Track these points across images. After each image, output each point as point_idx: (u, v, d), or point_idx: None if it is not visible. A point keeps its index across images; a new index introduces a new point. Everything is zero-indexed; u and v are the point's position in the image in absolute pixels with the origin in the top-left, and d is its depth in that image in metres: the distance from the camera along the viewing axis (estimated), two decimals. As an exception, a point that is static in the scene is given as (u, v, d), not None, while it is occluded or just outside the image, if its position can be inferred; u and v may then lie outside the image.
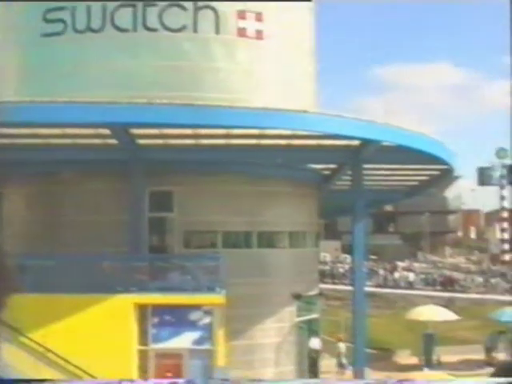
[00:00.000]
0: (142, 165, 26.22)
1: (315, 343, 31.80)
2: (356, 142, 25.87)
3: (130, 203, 26.58)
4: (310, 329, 31.39)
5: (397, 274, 72.11)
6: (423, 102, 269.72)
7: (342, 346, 31.60)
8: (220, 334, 24.04)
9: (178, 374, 24.05)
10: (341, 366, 31.22)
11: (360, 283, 28.20)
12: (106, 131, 23.72)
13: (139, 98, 22.45)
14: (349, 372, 29.53)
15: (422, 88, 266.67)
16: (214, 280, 24.15)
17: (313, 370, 31.43)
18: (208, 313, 23.85)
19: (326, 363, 32.52)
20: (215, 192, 28.57)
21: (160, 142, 26.08)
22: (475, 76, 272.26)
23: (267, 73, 29.31)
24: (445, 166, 30.46)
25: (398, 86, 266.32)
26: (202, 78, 28.01)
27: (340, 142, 26.24)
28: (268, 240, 30.21)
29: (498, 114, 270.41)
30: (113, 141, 24.84)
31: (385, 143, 25.24)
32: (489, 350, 33.73)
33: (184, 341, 23.97)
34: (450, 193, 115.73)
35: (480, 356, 33.35)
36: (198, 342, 23.94)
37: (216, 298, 23.68)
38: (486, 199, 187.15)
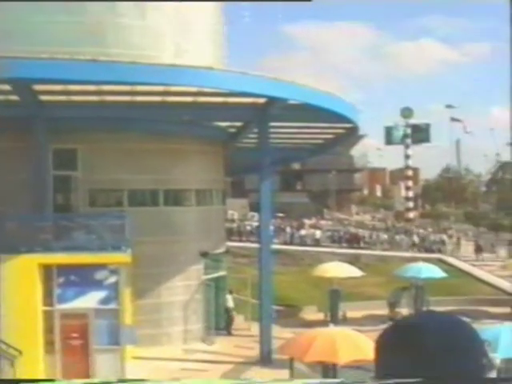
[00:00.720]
0: (45, 122, 25.61)
1: (229, 301, 32.03)
2: (262, 100, 25.85)
3: (34, 161, 26.02)
4: (217, 286, 31.52)
5: (303, 232, 72.76)
6: (332, 60, 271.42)
7: None
8: (126, 293, 23.91)
9: (84, 334, 23.86)
10: None
11: (266, 241, 28.38)
12: (7, 87, 23.07)
13: (42, 53, 21.88)
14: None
15: (332, 46, 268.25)
16: (119, 239, 23.94)
17: (228, 328, 31.66)
18: (114, 272, 23.65)
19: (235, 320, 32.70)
20: (120, 150, 28.21)
21: (63, 98, 25.51)
22: (385, 36, 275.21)
23: (173, 30, 28.91)
24: (350, 125, 30.78)
25: (307, 45, 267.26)
26: (107, 33, 27.46)
27: (246, 100, 26.18)
28: (174, 198, 30.08)
29: (404, 74, 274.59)
30: (15, 97, 24.18)
31: (291, 101, 25.30)
32: (392, 305, 34.43)
33: (90, 300, 23.74)
34: (357, 151, 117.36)
35: (384, 311, 34.03)
36: (104, 301, 23.74)
37: (122, 257, 23.50)
38: (391, 158, 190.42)
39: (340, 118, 27.66)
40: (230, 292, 32.58)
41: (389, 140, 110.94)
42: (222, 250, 32.62)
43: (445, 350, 2.18)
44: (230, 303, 32.11)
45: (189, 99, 25.93)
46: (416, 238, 69.12)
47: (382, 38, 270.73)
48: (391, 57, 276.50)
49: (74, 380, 2.39)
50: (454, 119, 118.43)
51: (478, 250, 60.80)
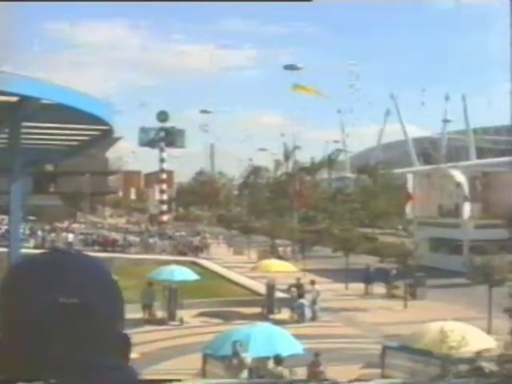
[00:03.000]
0: None
1: None
2: (14, 99, 24.90)
3: None
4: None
5: (56, 235, 71.36)
6: (96, 61, 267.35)
7: None
8: None
9: None
10: None
11: (16, 245, 27.37)
12: None
13: None
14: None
15: (98, 48, 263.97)
16: None
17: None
18: None
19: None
20: None
21: None
22: (151, 40, 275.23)
23: None
24: (106, 127, 30.40)
25: (76, 43, 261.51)
26: None
27: (-3, 98, 25.09)
28: None
29: (164, 78, 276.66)
30: None
31: (45, 101, 24.57)
32: (146, 307, 34.48)
33: None
34: (112, 153, 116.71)
35: (137, 315, 33.93)
36: None
37: None
38: (146, 161, 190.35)
39: (95, 119, 27.23)
40: None
41: (143, 143, 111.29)
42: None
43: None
44: None
45: None
46: (170, 241, 69.90)
47: (148, 42, 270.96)
48: (149, 60, 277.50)
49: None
50: (203, 125, 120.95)
51: (181, 253, 64.26)
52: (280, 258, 51.73)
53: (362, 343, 28.36)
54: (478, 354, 14.09)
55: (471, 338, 18.61)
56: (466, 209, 54.75)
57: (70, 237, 69.77)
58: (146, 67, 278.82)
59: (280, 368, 19.29)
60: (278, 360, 19.39)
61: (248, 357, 19.27)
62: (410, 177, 63.99)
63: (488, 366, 13.56)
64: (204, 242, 72.58)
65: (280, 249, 61.62)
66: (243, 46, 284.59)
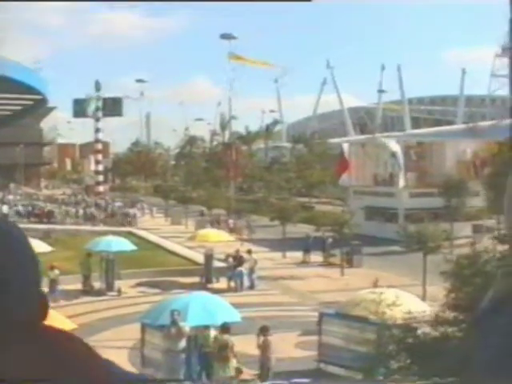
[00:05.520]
0: None
1: None
2: None
3: None
4: None
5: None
6: (29, 27, 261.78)
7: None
8: None
9: None
10: None
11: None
12: None
13: None
14: None
15: (28, 14, 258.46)
16: None
17: None
18: None
19: None
20: None
21: None
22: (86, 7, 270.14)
23: None
24: (39, 96, 30.01)
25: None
26: None
27: None
28: None
29: (99, 45, 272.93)
30: None
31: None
32: (86, 277, 34.22)
33: None
34: (46, 124, 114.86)
35: (75, 286, 33.66)
36: None
37: None
38: (81, 131, 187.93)
39: (28, 88, 26.86)
40: None
41: (78, 113, 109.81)
42: None
43: None
44: None
45: None
46: (106, 212, 69.43)
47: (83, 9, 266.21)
48: (89, 28, 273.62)
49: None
50: (126, 96, 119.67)
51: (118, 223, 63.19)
52: (231, 231, 51.09)
53: (299, 311, 28.62)
54: (411, 316, 14.43)
55: (406, 303, 18.95)
56: (401, 178, 55.43)
57: (5, 208, 68.76)
58: (75, 35, 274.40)
59: (226, 336, 19.38)
60: (225, 328, 19.47)
61: (186, 325, 19.28)
62: (345, 146, 64.35)
63: (422, 330, 13.81)
64: (142, 212, 72.42)
65: (230, 221, 60.13)
66: (177, 14, 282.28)
